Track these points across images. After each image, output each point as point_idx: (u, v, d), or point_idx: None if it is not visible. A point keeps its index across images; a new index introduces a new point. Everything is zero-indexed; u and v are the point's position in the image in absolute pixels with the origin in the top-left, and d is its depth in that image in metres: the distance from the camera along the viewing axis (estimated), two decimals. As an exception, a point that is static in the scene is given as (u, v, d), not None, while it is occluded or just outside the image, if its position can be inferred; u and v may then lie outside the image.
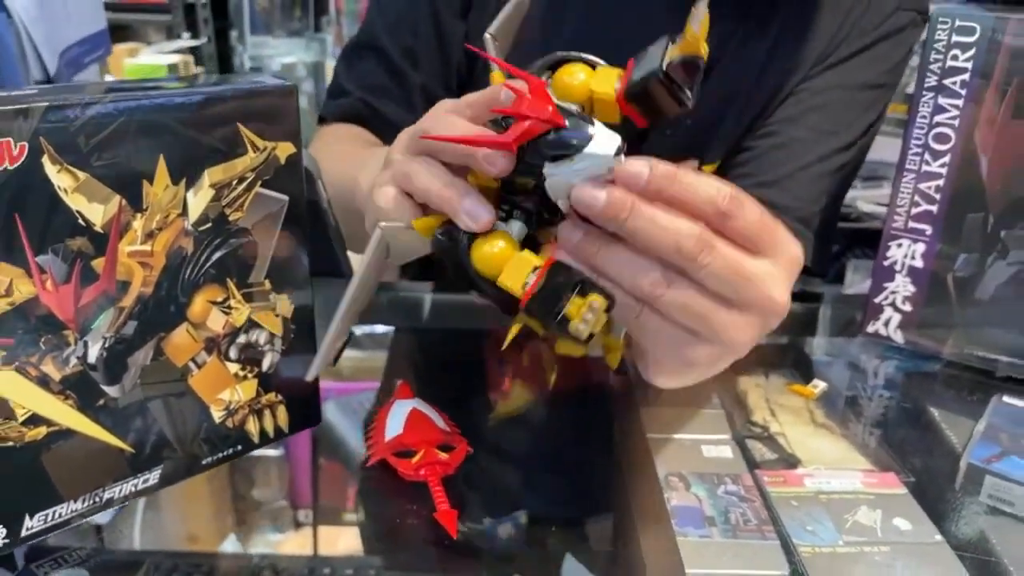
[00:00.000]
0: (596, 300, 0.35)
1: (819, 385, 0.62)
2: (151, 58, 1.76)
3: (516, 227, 0.39)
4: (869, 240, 1.45)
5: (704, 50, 0.36)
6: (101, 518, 0.44)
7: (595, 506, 0.51)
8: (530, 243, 0.40)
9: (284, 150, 0.43)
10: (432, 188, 0.39)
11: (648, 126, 0.39)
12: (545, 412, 0.62)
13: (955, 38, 0.58)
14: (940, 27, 0.58)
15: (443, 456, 0.48)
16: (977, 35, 0.58)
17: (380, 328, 0.70)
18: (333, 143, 0.76)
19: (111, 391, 0.41)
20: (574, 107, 0.37)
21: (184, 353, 0.43)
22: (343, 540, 0.49)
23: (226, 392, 0.45)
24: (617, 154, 0.35)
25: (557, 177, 0.36)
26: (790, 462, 0.55)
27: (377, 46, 0.77)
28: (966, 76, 0.59)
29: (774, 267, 0.38)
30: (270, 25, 2.04)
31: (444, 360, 0.69)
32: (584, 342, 0.36)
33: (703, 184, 0.36)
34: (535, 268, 0.37)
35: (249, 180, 0.42)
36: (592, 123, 0.35)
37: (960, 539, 0.47)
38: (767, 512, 0.49)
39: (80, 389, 0.40)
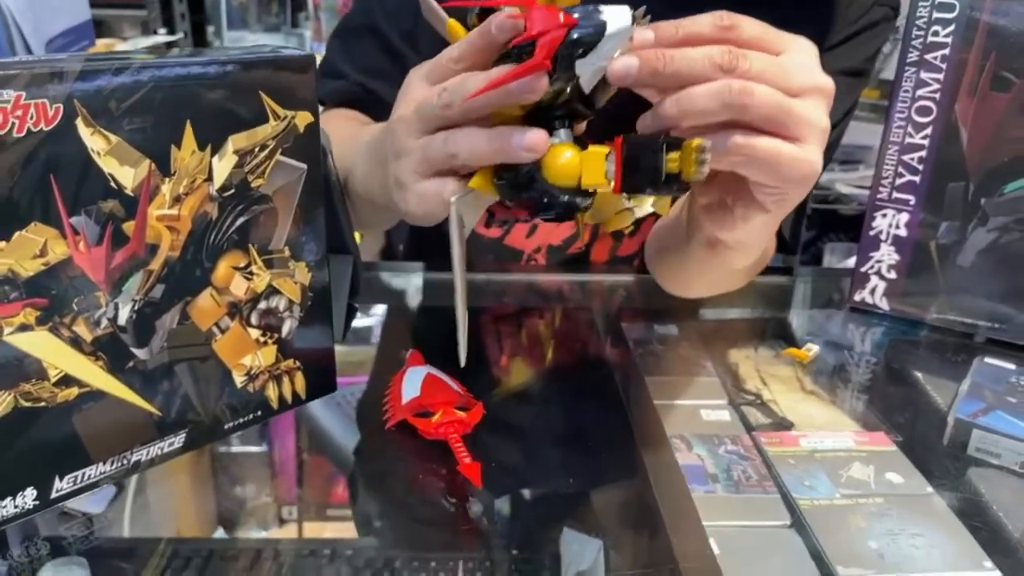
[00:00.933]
0: (696, 143, 0.37)
1: (812, 348, 0.64)
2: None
3: (563, 135, 0.40)
4: (844, 225, 1.50)
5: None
6: (94, 507, 0.45)
7: (612, 465, 0.53)
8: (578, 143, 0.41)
9: (303, 119, 0.45)
10: (478, 148, 0.39)
11: None
12: (550, 383, 0.64)
13: (936, 15, 0.61)
14: (922, 5, 0.61)
15: (461, 415, 0.49)
16: (956, 12, 0.61)
17: (361, 323, 0.70)
18: (334, 126, 0.76)
19: (140, 353, 0.41)
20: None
21: (208, 317, 0.44)
22: (333, 529, 0.49)
23: (247, 357, 0.47)
24: (632, 22, 0.37)
25: (588, 67, 0.37)
26: (784, 425, 0.57)
27: (376, 28, 0.77)
28: (946, 51, 0.62)
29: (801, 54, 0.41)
30: (247, 20, 2.03)
31: (441, 337, 0.70)
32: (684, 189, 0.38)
33: (698, 18, 0.39)
34: (608, 155, 0.39)
35: (270, 148, 0.44)
36: (597, 8, 0.37)
37: (950, 490, 0.50)
38: (766, 469, 0.51)
39: (110, 351, 0.40)
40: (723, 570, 0.42)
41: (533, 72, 0.37)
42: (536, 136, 0.38)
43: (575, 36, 0.36)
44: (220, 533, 0.46)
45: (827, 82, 0.42)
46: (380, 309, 0.73)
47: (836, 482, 0.50)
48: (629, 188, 0.39)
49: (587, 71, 0.38)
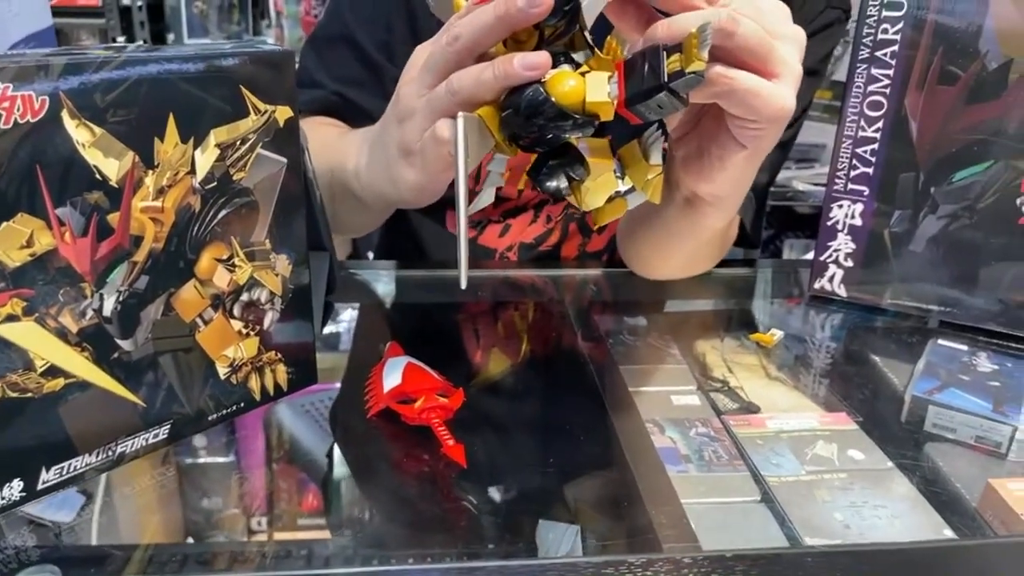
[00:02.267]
0: (695, 31, 0.38)
1: (776, 333, 0.67)
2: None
3: (568, 68, 0.41)
4: (801, 223, 1.55)
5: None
6: (64, 515, 0.44)
7: (592, 449, 0.54)
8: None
9: (283, 113, 0.46)
10: (483, 77, 0.41)
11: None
12: (527, 373, 0.65)
13: (885, 13, 0.64)
14: (871, 4, 0.64)
15: (443, 400, 0.50)
16: (904, 10, 0.64)
17: (329, 328, 0.71)
18: (312, 131, 0.76)
19: (124, 344, 0.42)
20: None
21: (192, 309, 0.44)
22: (309, 531, 0.47)
23: (230, 349, 0.47)
24: None
25: None
26: (751, 409, 0.59)
27: (350, 38, 0.78)
28: (895, 48, 0.65)
29: None
30: (208, 27, 2.02)
31: (417, 333, 0.72)
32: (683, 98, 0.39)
33: None
34: (610, 76, 0.40)
35: (251, 141, 0.44)
36: None
37: (909, 463, 0.52)
38: (736, 449, 0.53)
39: (96, 341, 0.41)
40: (700, 541, 0.44)
41: None
42: (538, 55, 0.39)
43: None
44: (193, 539, 0.45)
45: (801, 32, 0.44)
46: (350, 315, 0.74)
47: (802, 460, 0.52)
48: (634, 100, 0.39)
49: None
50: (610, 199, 0.45)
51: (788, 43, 0.43)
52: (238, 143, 0.44)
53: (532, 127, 0.41)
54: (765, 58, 0.41)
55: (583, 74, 0.41)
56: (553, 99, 0.40)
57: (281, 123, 0.46)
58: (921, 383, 0.59)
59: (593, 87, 0.40)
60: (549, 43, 0.42)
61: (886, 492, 0.49)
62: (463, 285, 0.42)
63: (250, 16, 2.11)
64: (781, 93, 0.43)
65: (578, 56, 0.43)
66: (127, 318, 0.42)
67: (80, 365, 0.40)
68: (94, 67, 0.37)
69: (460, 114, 0.40)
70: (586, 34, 0.42)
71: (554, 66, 0.41)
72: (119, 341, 0.42)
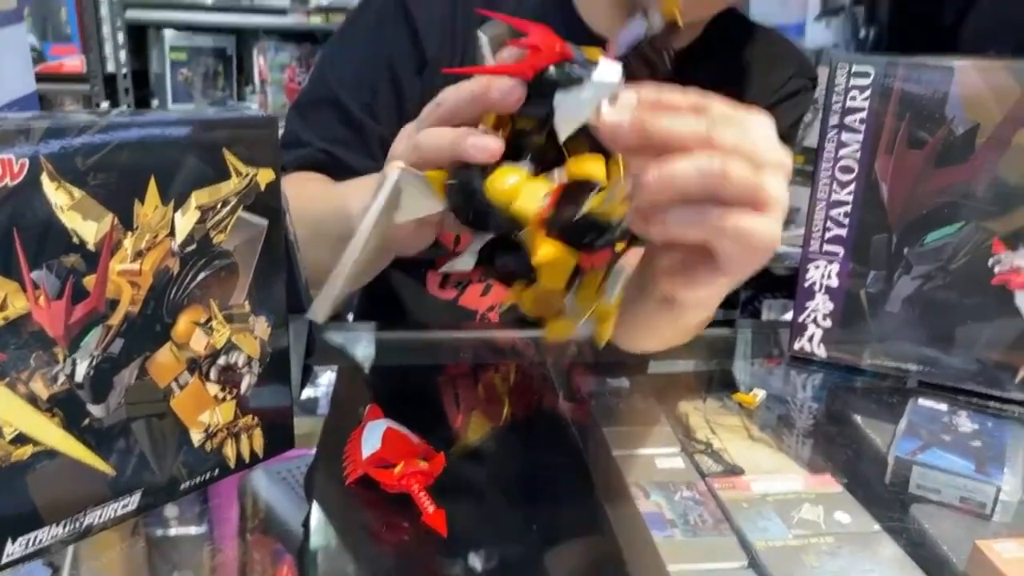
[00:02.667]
0: (617, 182, 0.39)
1: (759, 393, 0.67)
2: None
3: (525, 165, 0.41)
4: (779, 284, 1.56)
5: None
6: None
7: (575, 514, 0.53)
8: None
9: (265, 176, 0.46)
10: (441, 141, 0.41)
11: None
12: (509, 435, 0.64)
13: (852, 81, 0.66)
14: (839, 72, 0.67)
15: (423, 466, 0.49)
16: (871, 78, 0.66)
17: (306, 393, 0.70)
18: (303, 183, 0.76)
19: (96, 410, 0.41)
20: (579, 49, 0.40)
21: (167, 373, 0.44)
22: None
23: (206, 414, 0.46)
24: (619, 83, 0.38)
25: (566, 106, 0.39)
26: (735, 471, 0.58)
27: (335, 100, 0.79)
28: (863, 114, 0.67)
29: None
30: (192, 94, 2.05)
31: (397, 396, 0.71)
32: (612, 235, 0.39)
33: (675, 93, 0.41)
34: (547, 193, 0.40)
35: (232, 204, 0.44)
36: (595, 60, 0.39)
37: (896, 526, 0.52)
38: (721, 513, 0.52)
39: (66, 407, 0.40)
40: (687, 609, 0.43)
41: (515, 75, 0.39)
42: (490, 140, 0.40)
43: (565, 66, 0.38)
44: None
45: (787, 158, 0.44)
46: (328, 378, 0.73)
47: (788, 523, 0.51)
48: (552, 224, 0.40)
49: (565, 108, 0.39)
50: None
51: (774, 173, 0.42)
52: (219, 205, 0.44)
53: (464, 207, 0.41)
54: (754, 198, 0.41)
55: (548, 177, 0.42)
56: (484, 190, 0.40)
57: (263, 186, 0.46)
58: (903, 443, 0.59)
59: (527, 195, 0.40)
60: (522, 135, 0.42)
61: (874, 556, 0.48)
62: (319, 319, 0.42)
63: (235, 83, 2.14)
64: (769, 228, 0.42)
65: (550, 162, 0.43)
66: (100, 383, 0.41)
67: (49, 432, 0.39)
68: (76, 131, 0.38)
69: (396, 164, 0.41)
70: (563, 144, 0.42)
71: (516, 158, 0.41)
72: (90, 407, 0.41)
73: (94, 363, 0.40)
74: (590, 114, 0.39)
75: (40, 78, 1.82)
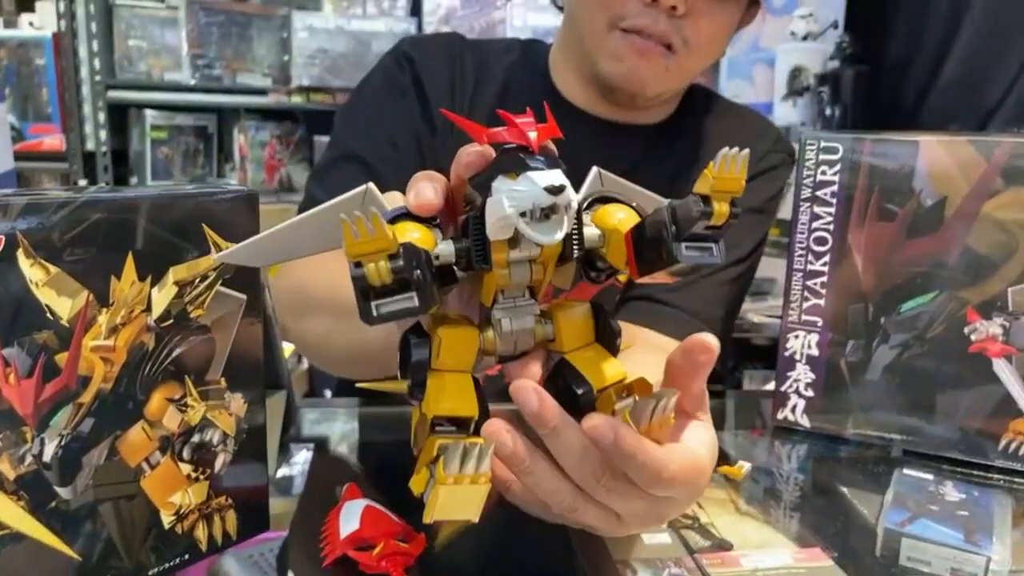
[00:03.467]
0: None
1: (744, 465, 0.66)
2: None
3: (443, 247, 0.38)
4: (759, 354, 1.57)
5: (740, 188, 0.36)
6: None
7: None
8: (449, 278, 0.39)
9: (244, 251, 0.46)
10: (415, 179, 0.40)
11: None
12: (493, 514, 0.62)
13: (822, 156, 0.68)
14: (808, 147, 0.69)
15: (404, 546, 0.48)
16: (840, 154, 0.68)
17: (282, 471, 0.68)
18: (325, 263, 0.73)
19: (63, 492, 0.39)
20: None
21: (138, 452, 0.42)
22: None
23: (177, 495, 0.45)
24: (554, 192, 0.35)
25: (498, 196, 0.36)
26: (723, 546, 0.57)
27: (355, 156, 0.79)
28: (835, 188, 0.69)
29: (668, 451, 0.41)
30: (172, 171, 2.06)
31: (376, 473, 0.69)
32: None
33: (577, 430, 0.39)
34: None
35: (211, 279, 0.44)
36: (559, 166, 0.36)
37: (888, 600, 0.51)
38: (711, 591, 0.51)
39: (33, 490, 0.38)
40: None
41: (471, 133, 0.37)
42: (429, 189, 0.38)
43: (515, 150, 0.36)
44: None
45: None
46: (305, 456, 0.71)
47: (780, 600, 0.50)
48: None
49: (496, 198, 0.36)
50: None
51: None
52: (197, 280, 0.43)
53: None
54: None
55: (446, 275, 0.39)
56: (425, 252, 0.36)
57: (242, 261, 0.46)
58: (892, 515, 0.58)
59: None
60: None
61: (868, 631, 0.47)
62: (216, 257, 0.40)
63: (215, 160, 2.16)
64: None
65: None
66: (68, 464, 0.39)
67: (14, 515, 0.38)
68: (53, 208, 0.37)
69: (370, 184, 0.39)
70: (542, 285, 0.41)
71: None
72: (58, 489, 0.39)
73: (63, 443, 0.39)
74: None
75: (18, 156, 1.83)
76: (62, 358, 0.38)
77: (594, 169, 0.43)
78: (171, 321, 0.43)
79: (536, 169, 0.36)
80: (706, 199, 0.36)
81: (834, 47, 1.86)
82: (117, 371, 0.41)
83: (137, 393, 0.42)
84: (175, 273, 0.42)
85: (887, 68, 1.81)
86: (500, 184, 0.36)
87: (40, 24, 2.01)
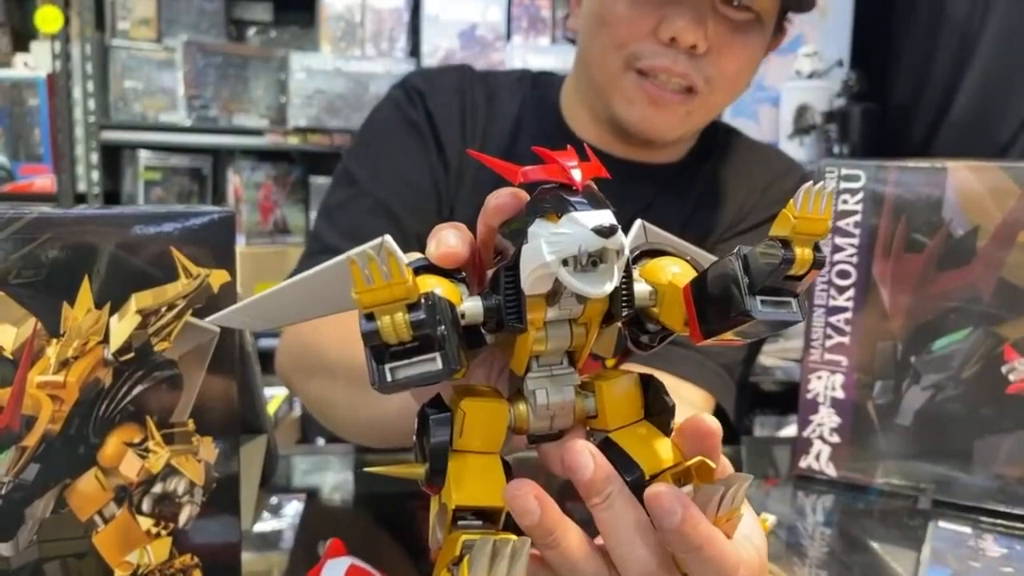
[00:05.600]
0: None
1: (769, 518, 0.60)
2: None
3: (469, 304, 0.33)
4: (771, 400, 1.52)
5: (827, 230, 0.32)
6: None
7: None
8: (476, 341, 0.34)
9: (218, 278, 0.41)
10: (437, 228, 0.34)
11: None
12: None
13: (843, 184, 0.64)
14: (828, 175, 0.65)
15: (391, 612, 0.42)
16: (863, 182, 0.64)
17: (260, 526, 0.62)
18: (342, 324, 0.68)
19: (3, 548, 0.34)
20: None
21: (90, 504, 0.37)
22: None
23: (135, 553, 0.39)
24: (604, 234, 0.29)
25: (536, 241, 0.30)
26: (747, 608, 0.52)
27: (369, 194, 0.75)
28: (858, 217, 0.64)
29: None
30: (164, 212, 2.02)
31: (365, 528, 0.64)
32: None
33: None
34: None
35: (179, 308, 0.40)
36: (607, 207, 0.31)
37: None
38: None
39: (-38, 549, 0.33)
40: None
41: (504, 173, 0.31)
42: (452, 236, 0.33)
43: (555, 190, 0.31)
44: None
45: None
46: (291, 508, 0.65)
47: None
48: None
49: (534, 244, 0.31)
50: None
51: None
52: (163, 310, 0.39)
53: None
54: None
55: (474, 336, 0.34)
56: (444, 305, 0.31)
57: (216, 288, 0.41)
58: (932, 573, 0.53)
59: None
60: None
61: None
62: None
63: (209, 202, 2.13)
64: None
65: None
66: (9, 516, 0.35)
67: (-64, 580, 0.33)
68: (3, 221, 0.33)
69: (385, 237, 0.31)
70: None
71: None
72: (-7, 547, 0.34)
73: (3, 492, 0.34)
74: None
75: (9, 197, 1.79)
76: (3, 394, 0.34)
77: (638, 221, 0.38)
78: (132, 355, 0.38)
79: (582, 209, 0.30)
80: (786, 243, 0.31)
81: (841, 84, 1.84)
82: (68, 411, 0.36)
83: (90, 436, 0.37)
84: (138, 301, 0.38)
85: (894, 105, 1.80)
86: (538, 228, 0.30)
87: (35, 64, 2.00)
